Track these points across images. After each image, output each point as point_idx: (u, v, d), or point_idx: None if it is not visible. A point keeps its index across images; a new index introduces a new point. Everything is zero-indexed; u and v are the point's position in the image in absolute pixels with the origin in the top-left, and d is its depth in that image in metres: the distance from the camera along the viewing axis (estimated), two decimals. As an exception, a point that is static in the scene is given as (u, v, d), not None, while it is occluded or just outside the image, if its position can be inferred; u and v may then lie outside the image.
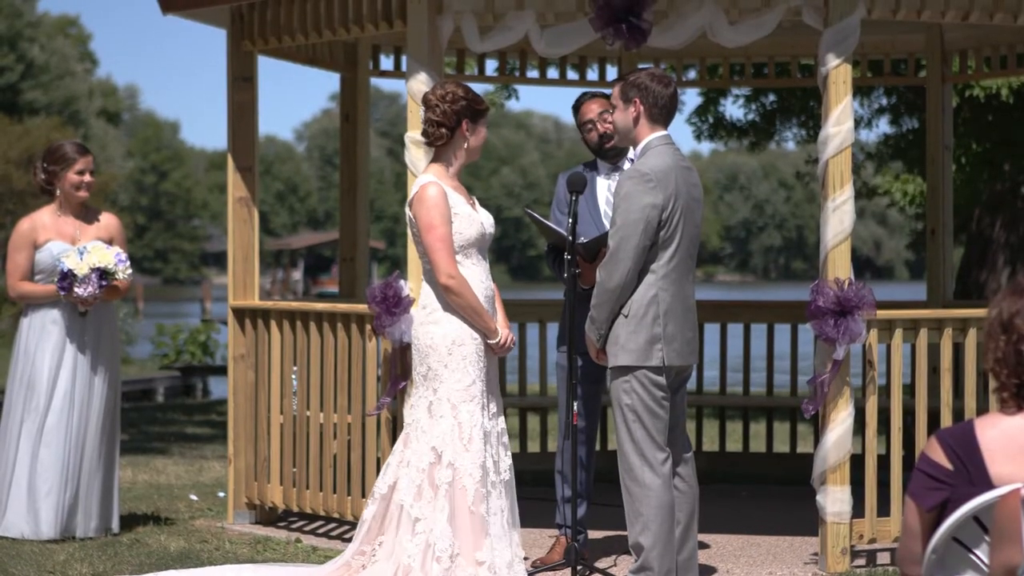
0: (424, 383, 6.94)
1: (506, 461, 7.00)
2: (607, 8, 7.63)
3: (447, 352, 6.89)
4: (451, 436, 6.81)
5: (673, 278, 6.68)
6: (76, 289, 8.21)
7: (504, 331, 7.04)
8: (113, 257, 8.29)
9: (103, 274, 8.24)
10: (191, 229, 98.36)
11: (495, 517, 6.86)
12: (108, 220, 8.64)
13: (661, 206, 6.60)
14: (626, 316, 6.65)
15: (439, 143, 7.03)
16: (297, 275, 67.19)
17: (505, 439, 7.04)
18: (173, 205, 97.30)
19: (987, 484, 4.08)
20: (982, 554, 4.03)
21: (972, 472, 4.11)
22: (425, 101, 7.05)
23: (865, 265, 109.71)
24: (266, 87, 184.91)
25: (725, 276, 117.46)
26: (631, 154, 7.90)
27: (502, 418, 7.10)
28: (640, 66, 8.68)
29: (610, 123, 7.76)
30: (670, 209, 6.62)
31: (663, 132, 6.81)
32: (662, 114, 6.79)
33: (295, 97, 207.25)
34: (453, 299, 6.87)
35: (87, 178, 8.48)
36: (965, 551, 4.14)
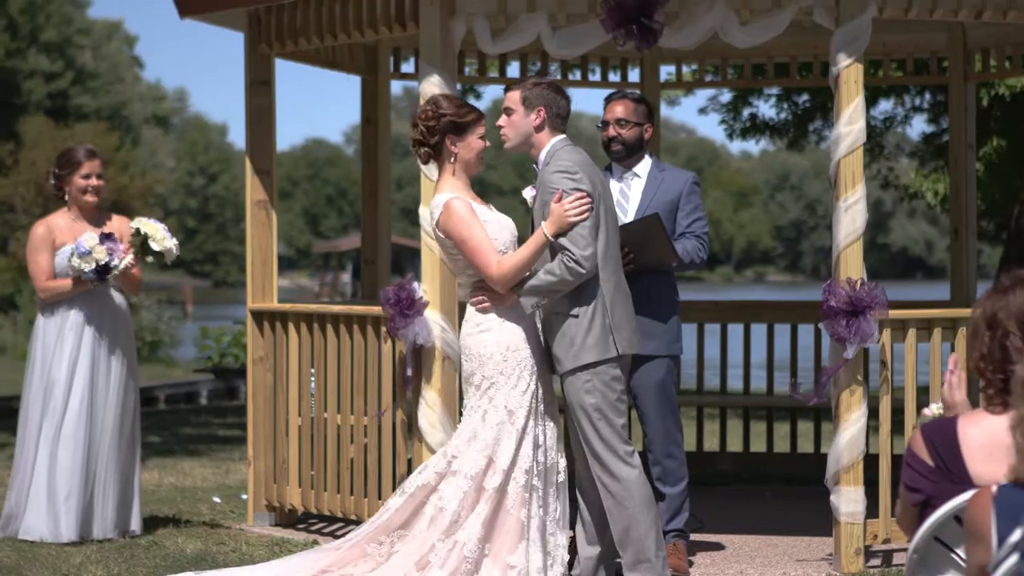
0: (478, 393, 6.90)
1: (561, 463, 7.00)
2: (618, 9, 7.63)
3: (502, 359, 6.85)
4: (506, 442, 6.80)
5: (611, 268, 6.80)
6: (110, 261, 8.22)
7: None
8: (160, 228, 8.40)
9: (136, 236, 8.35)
10: (241, 232, 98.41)
11: (533, 521, 6.85)
12: (119, 224, 8.67)
13: (591, 194, 6.75)
14: (576, 316, 6.70)
15: (426, 162, 7.06)
16: (346, 277, 67.34)
17: (560, 442, 7.03)
18: (223, 208, 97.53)
19: (968, 483, 4.08)
20: (964, 553, 4.03)
21: (953, 470, 4.12)
22: (412, 121, 7.07)
23: (916, 265, 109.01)
24: (313, 91, 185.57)
25: (776, 276, 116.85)
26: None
27: (554, 421, 7.04)
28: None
29: (618, 131, 7.78)
30: (594, 198, 6.75)
31: (563, 136, 6.97)
32: (562, 121, 6.99)
33: (344, 100, 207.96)
34: (513, 287, 6.80)
35: (93, 181, 8.51)
36: (947, 550, 4.14)
